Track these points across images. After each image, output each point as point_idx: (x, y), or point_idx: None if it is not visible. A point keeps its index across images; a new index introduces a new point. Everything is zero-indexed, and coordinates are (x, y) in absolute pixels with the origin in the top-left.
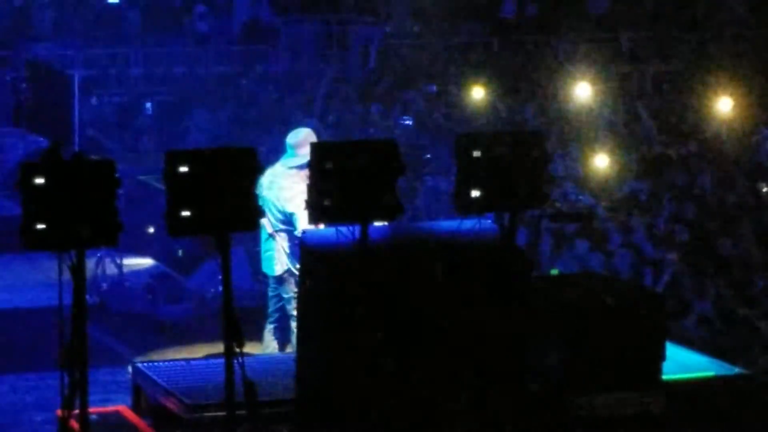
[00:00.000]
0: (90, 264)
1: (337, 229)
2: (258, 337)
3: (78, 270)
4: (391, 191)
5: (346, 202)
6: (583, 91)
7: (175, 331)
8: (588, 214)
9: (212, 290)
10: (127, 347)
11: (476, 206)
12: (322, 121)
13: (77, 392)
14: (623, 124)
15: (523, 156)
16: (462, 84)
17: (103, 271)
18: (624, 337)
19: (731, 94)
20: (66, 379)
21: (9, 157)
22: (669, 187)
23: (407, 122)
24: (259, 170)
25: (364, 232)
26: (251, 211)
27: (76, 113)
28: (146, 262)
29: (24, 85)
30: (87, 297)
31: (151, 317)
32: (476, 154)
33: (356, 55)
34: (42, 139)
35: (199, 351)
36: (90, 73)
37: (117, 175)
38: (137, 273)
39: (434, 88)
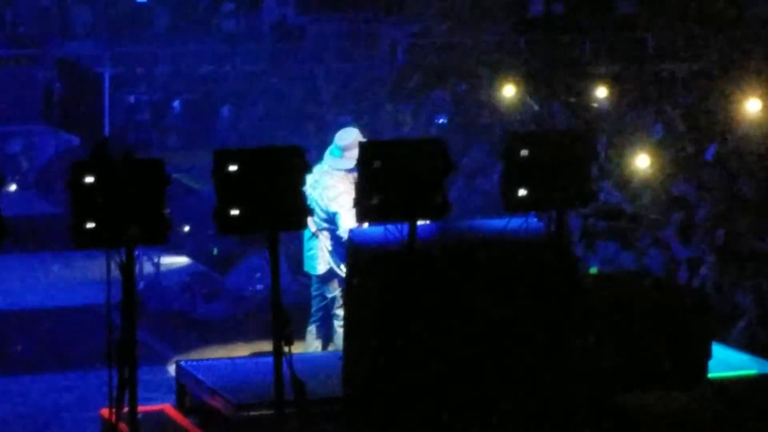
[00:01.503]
0: None
1: (385, 228)
2: (299, 335)
3: (127, 268)
4: (439, 190)
5: (394, 200)
6: (609, 91)
7: (213, 329)
8: (635, 214)
9: (250, 289)
10: (165, 346)
11: (523, 205)
12: (354, 120)
13: (125, 390)
14: (657, 124)
15: (570, 154)
16: (491, 82)
17: (140, 269)
18: (672, 336)
19: (761, 95)
20: (114, 378)
21: (40, 155)
22: (707, 188)
23: (441, 121)
24: (308, 169)
25: (413, 231)
26: (300, 210)
27: (107, 111)
28: (182, 260)
29: (57, 83)
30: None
31: (189, 316)
32: (523, 152)
33: (384, 53)
34: (74, 136)
35: (238, 350)
36: (118, 71)
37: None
38: (174, 272)
39: (463, 86)
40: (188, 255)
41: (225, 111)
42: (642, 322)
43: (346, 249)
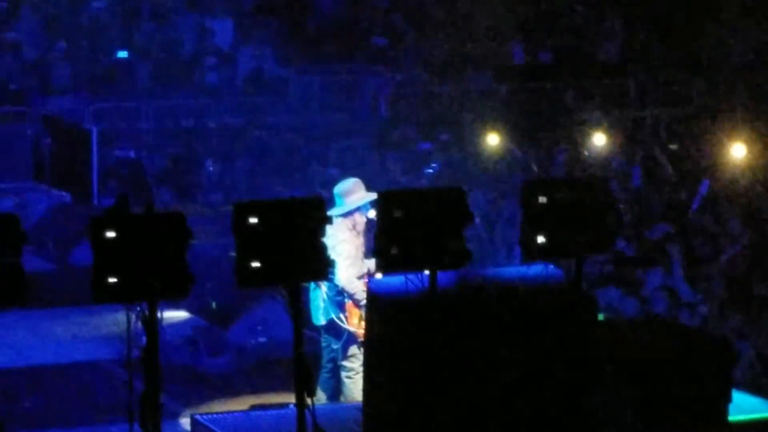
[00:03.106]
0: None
1: (406, 277)
2: None
3: (150, 322)
4: (459, 238)
5: (414, 249)
6: (597, 139)
7: (218, 383)
8: (652, 258)
9: (252, 341)
10: (172, 400)
11: (543, 252)
12: (341, 171)
13: None
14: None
15: (588, 201)
16: (475, 131)
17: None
18: (693, 381)
19: (745, 140)
20: None
21: (33, 212)
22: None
23: (430, 170)
24: (327, 220)
25: (433, 280)
26: (320, 261)
27: (95, 167)
28: (183, 315)
29: (48, 140)
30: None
31: (193, 370)
32: (542, 200)
33: (366, 104)
34: (64, 193)
35: (245, 402)
36: (101, 127)
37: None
38: (176, 326)
39: (447, 135)
40: (187, 309)
41: (209, 165)
42: (664, 367)
43: (345, 299)
